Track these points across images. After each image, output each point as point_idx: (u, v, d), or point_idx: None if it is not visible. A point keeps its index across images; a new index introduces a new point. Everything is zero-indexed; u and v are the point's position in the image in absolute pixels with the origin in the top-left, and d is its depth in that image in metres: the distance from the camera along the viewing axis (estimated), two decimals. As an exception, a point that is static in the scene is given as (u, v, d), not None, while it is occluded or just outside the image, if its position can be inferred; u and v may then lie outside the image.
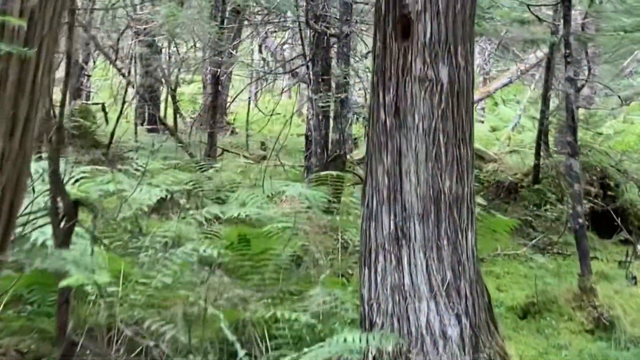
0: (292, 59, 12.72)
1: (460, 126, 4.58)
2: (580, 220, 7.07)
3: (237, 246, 5.35)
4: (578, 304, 6.82)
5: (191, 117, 15.02)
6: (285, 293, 5.27)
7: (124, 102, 12.05)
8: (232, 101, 15.12)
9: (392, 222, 4.58)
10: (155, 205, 7.41)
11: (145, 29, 11.33)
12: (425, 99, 4.50)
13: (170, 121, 14.46)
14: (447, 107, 4.52)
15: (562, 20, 7.75)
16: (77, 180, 7.47)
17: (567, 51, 7.20)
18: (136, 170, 7.34)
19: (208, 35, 11.46)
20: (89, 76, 15.94)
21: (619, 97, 11.87)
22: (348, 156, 12.30)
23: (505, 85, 15.40)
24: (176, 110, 14.57)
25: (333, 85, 9.29)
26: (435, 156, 4.52)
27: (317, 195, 7.12)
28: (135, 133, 11.92)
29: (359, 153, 12.78)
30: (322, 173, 7.88)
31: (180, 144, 10.83)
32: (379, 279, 4.62)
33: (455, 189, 4.57)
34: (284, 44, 15.03)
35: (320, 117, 9.16)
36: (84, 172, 7.32)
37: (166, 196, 7.16)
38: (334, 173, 7.74)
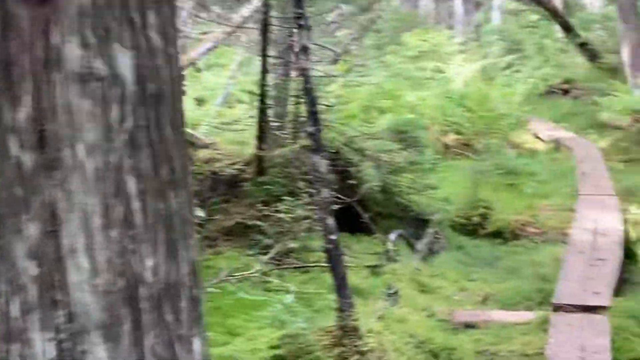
0: None
1: (165, 158, 2.52)
2: (334, 237, 5.38)
3: None
4: (341, 350, 5.20)
5: None
6: None
7: None
8: None
9: (51, 346, 2.44)
10: None
11: None
12: (95, 114, 2.36)
13: None
14: (137, 125, 2.43)
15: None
16: None
17: (299, 11, 5.37)
18: None
19: None
20: None
21: (341, 58, 10.48)
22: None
23: (210, 50, 13.56)
24: None
25: None
26: (123, 218, 2.42)
27: None
28: None
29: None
30: None
31: None
32: None
33: (164, 271, 2.52)
34: None
35: None
36: None
37: None
38: None
